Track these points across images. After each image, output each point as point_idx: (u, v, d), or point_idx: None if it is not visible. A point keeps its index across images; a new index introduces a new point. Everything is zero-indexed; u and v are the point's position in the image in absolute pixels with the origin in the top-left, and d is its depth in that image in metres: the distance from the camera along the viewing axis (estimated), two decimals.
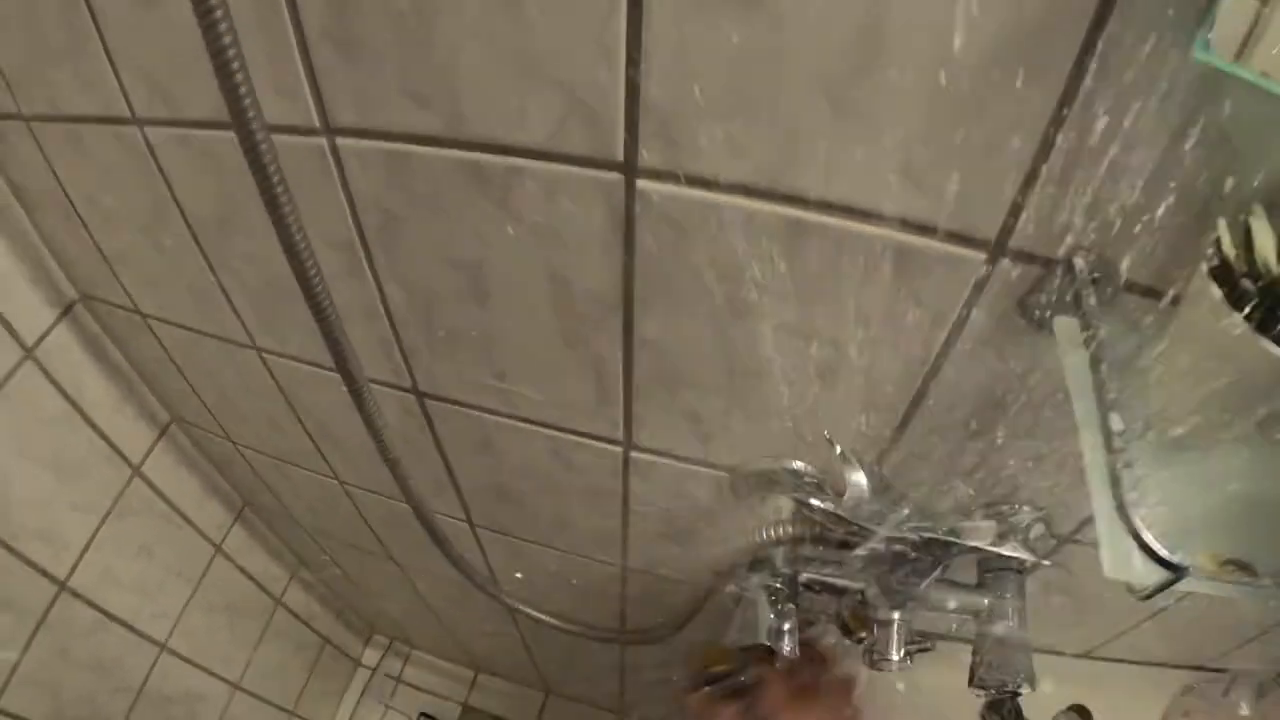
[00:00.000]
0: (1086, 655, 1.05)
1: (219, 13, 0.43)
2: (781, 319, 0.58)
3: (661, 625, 1.02)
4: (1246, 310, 0.38)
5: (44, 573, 1.13)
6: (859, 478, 0.59)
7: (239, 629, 1.63)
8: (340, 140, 0.60)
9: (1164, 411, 0.44)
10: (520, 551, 1.11)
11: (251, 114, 0.47)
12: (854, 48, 0.42)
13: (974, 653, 0.75)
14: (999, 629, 0.73)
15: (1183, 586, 0.41)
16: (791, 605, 0.76)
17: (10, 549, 1.06)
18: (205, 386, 1.11)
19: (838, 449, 0.60)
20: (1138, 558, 0.39)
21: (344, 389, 0.70)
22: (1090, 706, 1.02)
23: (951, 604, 0.73)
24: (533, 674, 1.99)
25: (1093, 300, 0.47)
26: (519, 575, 1.20)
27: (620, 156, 0.52)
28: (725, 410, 0.69)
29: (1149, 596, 0.41)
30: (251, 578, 1.60)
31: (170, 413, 1.28)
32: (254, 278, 0.81)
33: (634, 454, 0.78)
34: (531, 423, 0.80)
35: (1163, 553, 0.38)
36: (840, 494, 0.62)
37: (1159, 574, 0.39)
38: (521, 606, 1.10)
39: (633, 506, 0.87)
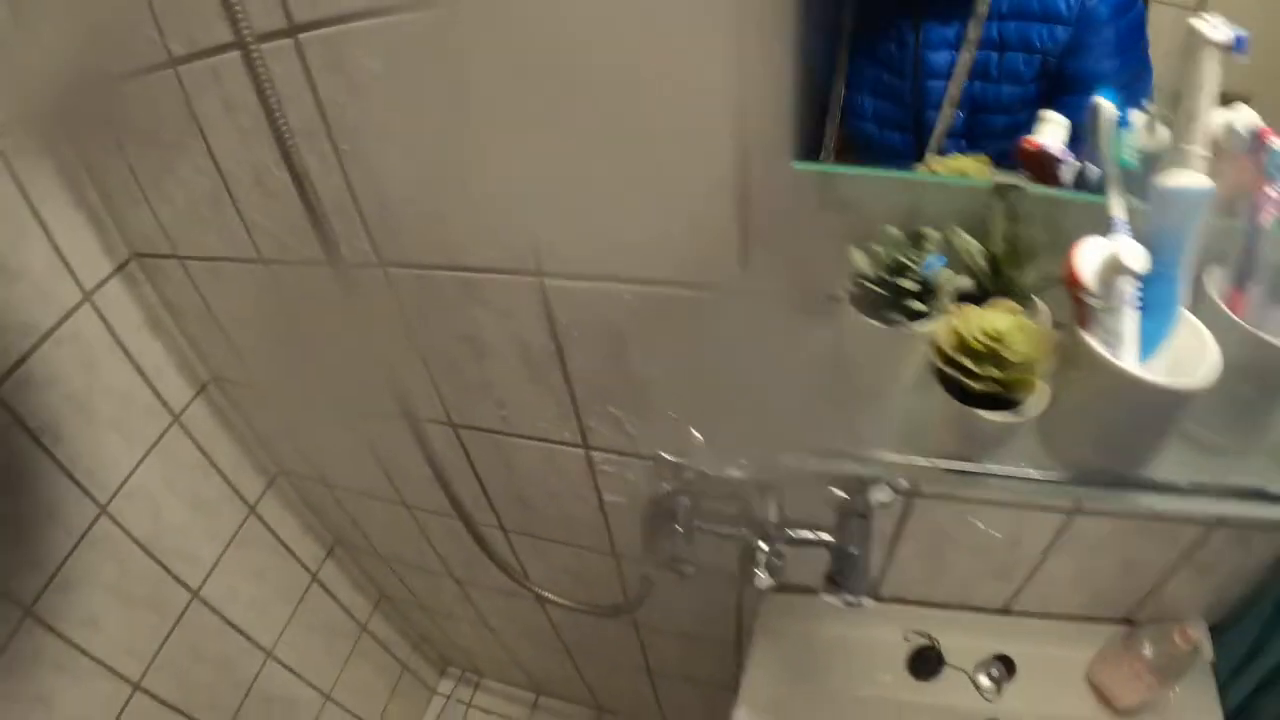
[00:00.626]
0: (1005, 610, 1.20)
1: None
2: None
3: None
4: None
5: (181, 582, 1.46)
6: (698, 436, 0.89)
7: (332, 648, 1.93)
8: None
9: None
10: (541, 550, 1.43)
11: None
12: None
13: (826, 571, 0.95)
14: (843, 554, 0.94)
15: None
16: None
17: (159, 562, 1.40)
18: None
19: (672, 414, 0.89)
20: None
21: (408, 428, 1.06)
22: (1013, 655, 1.18)
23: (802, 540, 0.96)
24: (583, 691, 2.24)
25: None
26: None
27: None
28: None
29: None
30: (340, 604, 1.92)
31: (276, 465, 1.63)
32: None
33: (593, 453, 1.10)
34: (526, 437, 1.14)
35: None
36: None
37: None
38: (548, 594, 1.41)
39: (605, 498, 1.19)
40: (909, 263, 0.65)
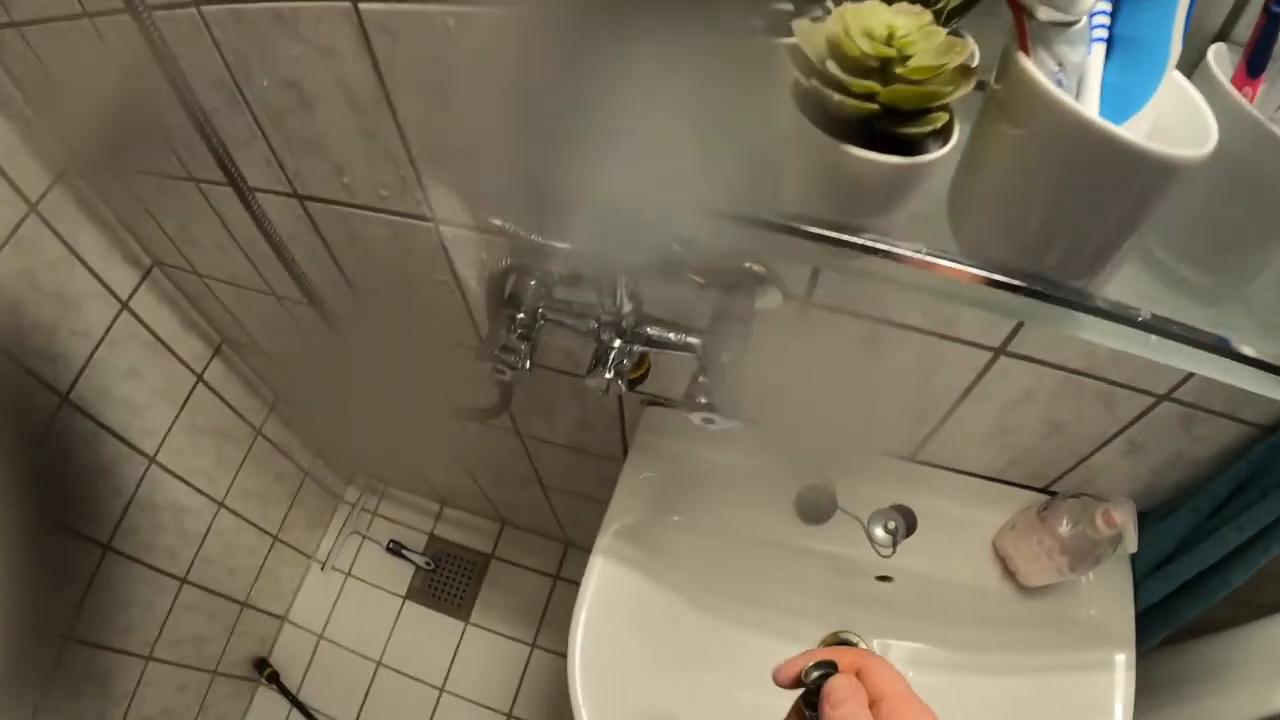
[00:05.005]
0: (911, 459, 1.09)
1: None
2: None
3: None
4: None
5: (49, 386, 1.38)
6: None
7: (224, 454, 1.89)
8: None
9: None
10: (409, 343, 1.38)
11: None
12: None
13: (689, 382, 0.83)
14: (709, 360, 0.83)
15: None
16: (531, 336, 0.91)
17: (21, 365, 1.31)
18: (169, 224, 1.36)
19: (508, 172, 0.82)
20: None
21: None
22: (916, 509, 1.09)
23: (665, 340, 0.88)
24: (485, 504, 2.26)
25: None
26: None
27: None
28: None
29: None
30: (231, 406, 1.86)
31: (151, 256, 1.53)
32: None
33: (442, 229, 1.03)
34: (371, 209, 1.04)
35: None
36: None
37: None
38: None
39: (464, 283, 1.12)
40: None
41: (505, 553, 2.39)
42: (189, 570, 1.87)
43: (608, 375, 0.88)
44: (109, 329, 1.50)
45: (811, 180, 0.56)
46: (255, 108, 0.94)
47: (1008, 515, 1.06)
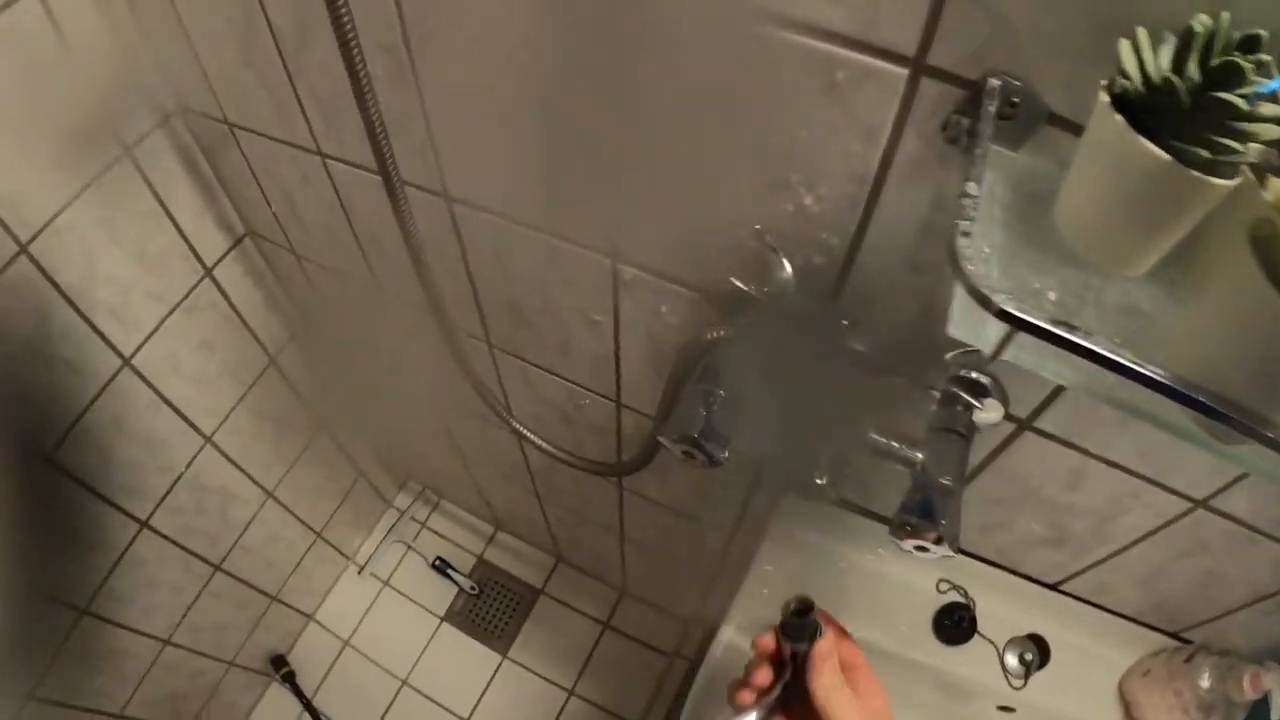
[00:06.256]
0: (1055, 587, 1.04)
1: None
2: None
3: (640, 454, 1.09)
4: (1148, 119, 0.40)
5: (111, 346, 1.24)
6: (786, 269, 0.65)
7: (282, 442, 1.75)
8: None
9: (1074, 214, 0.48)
10: (531, 379, 1.20)
11: None
12: None
13: (903, 501, 0.72)
14: (930, 480, 0.71)
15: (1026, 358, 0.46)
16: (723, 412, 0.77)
17: (86, 319, 1.18)
18: (276, 196, 1.20)
19: (767, 237, 0.65)
20: (975, 312, 0.42)
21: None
22: (1050, 640, 1.05)
23: (886, 449, 0.73)
24: (546, 537, 2.10)
25: (1000, 119, 0.52)
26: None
27: None
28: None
29: (995, 355, 0.45)
30: (299, 396, 1.72)
31: (245, 225, 1.38)
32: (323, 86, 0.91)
33: (620, 266, 0.85)
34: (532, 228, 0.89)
35: (992, 295, 0.40)
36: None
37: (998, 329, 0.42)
38: (527, 432, 1.19)
39: (623, 329, 0.95)
40: (1244, 68, 0.38)
41: (556, 590, 2.23)
42: (225, 558, 1.74)
43: (820, 480, 0.71)
44: (188, 294, 1.35)
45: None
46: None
47: (1136, 656, 1.03)
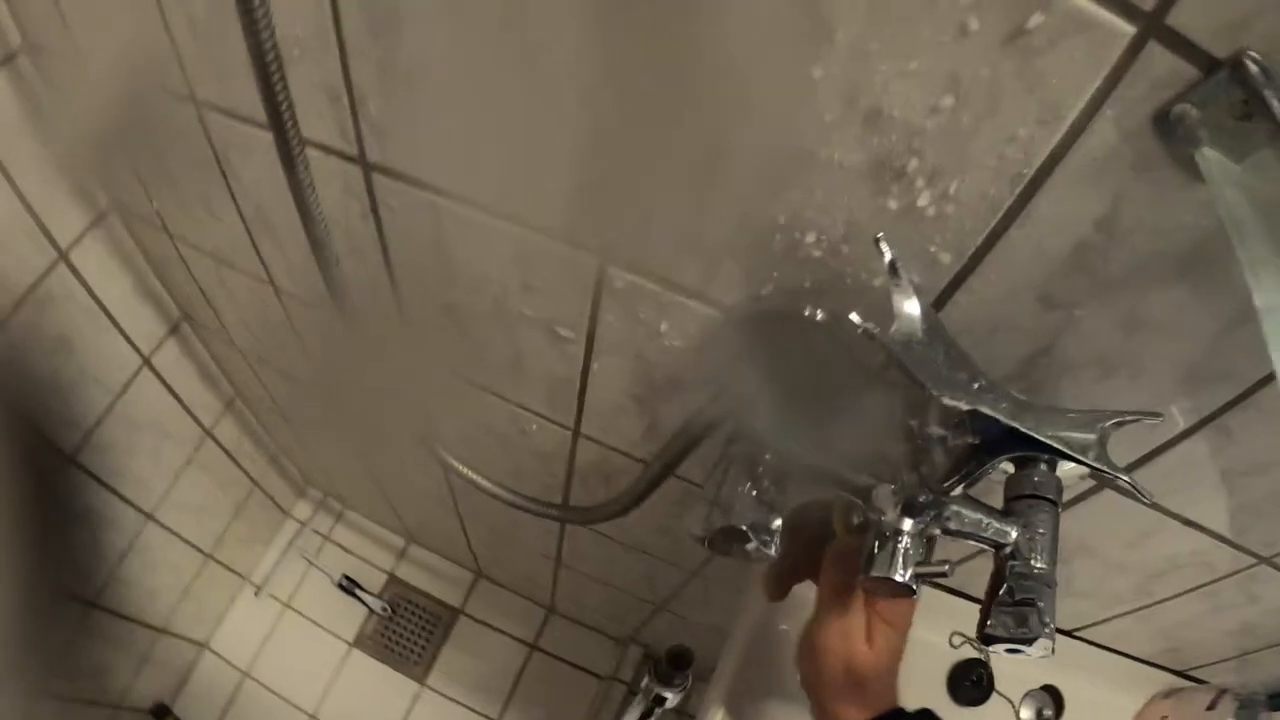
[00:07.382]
0: (1071, 633, 0.99)
1: None
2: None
3: (606, 504, 0.92)
4: None
5: None
6: (912, 305, 0.46)
7: (162, 455, 1.51)
8: None
9: None
10: (465, 396, 0.99)
11: None
12: None
13: (987, 595, 0.58)
14: (1025, 567, 0.56)
15: None
16: (777, 491, 0.64)
17: None
18: (142, 156, 0.97)
19: (887, 256, 0.46)
20: None
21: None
22: (1063, 689, 1.00)
23: (972, 525, 0.56)
24: (465, 553, 1.90)
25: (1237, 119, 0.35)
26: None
27: None
28: None
29: None
30: (180, 400, 1.48)
31: (108, 194, 1.14)
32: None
33: (611, 270, 0.66)
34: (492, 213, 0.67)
35: None
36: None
37: None
38: (456, 463, 0.99)
39: (598, 346, 0.76)
40: None
41: (477, 609, 2.05)
42: (100, 594, 1.49)
43: (900, 576, 0.54)
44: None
45: None
46: None
47: (1145, 697, 1.01)
